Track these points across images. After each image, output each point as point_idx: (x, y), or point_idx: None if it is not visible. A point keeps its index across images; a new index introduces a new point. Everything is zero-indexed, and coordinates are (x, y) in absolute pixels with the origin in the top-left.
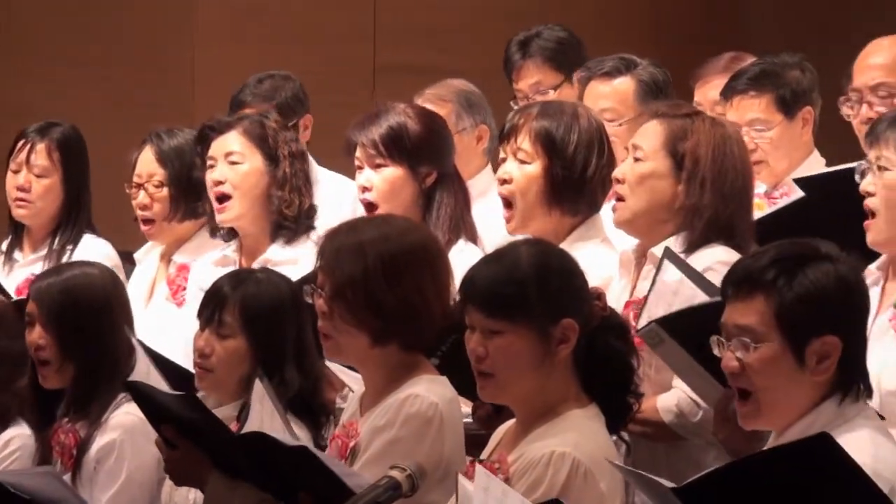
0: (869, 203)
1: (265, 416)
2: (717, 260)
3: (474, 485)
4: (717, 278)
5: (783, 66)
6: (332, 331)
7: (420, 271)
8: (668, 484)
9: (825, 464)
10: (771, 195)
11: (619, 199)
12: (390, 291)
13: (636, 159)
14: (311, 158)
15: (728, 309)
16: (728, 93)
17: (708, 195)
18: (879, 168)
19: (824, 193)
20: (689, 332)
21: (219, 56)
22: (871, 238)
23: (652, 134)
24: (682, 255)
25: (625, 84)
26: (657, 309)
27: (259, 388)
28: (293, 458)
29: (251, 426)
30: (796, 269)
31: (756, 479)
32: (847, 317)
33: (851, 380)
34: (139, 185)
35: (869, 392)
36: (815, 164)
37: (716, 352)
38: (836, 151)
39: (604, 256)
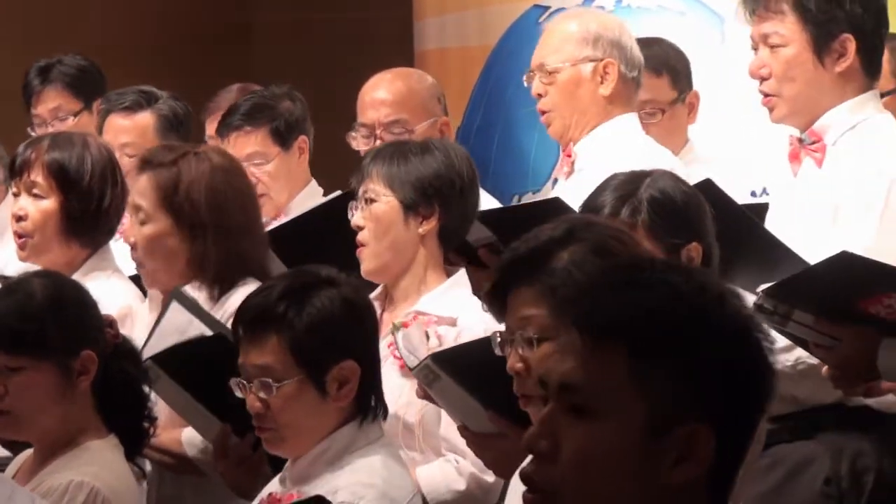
0: (360, 237)
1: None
2: None
3: None
4: None
5: (274, 97)
6: None
7: None
8: None
9: None
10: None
11: (140, 263)
12: None
13: (142, 222)
14: None
15: (243, 349)
16: (224, 130)
17: (211, 238)
18: (367, 200)
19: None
20: (185, 366)
21: None
22: (364, 268)
23: (146, 192)
24: (216, 302)
25: (145, 118)
26: (159, 347)
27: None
28: None
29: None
30: (303, 299)
31: None
32: (359, 339)
33: (369, 402)
34: None
35: (385, 413)
36: (314, 193)
37: (238, 394)
38: (331, 182)
39: (118, 287)
